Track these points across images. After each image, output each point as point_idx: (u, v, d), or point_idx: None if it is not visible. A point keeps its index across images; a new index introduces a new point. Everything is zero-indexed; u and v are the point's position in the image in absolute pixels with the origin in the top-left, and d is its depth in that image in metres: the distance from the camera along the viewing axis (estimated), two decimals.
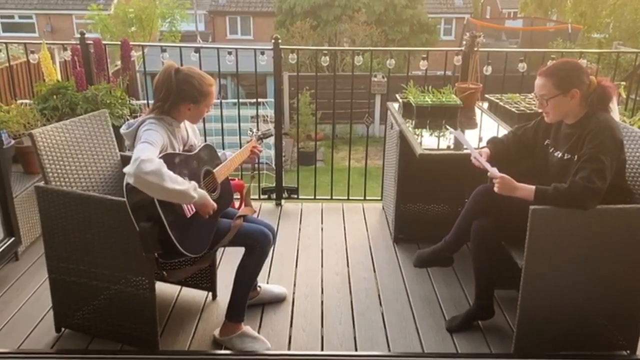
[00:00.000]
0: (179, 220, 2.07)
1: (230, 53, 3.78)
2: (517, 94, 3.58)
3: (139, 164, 1.90)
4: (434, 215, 3.42)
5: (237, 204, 3.49)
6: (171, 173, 1.97)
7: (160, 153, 2.07)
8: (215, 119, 4.12)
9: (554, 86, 2.20)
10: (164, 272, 2.19)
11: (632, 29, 14.77)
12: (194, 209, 2.12)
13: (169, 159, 2.07)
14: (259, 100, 4.64)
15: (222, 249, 2.66)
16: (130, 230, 2.06)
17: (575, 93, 2.18)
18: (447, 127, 2.52)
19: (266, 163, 5.23)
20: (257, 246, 2.34)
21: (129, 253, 2.17)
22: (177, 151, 2.24)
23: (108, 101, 3.49)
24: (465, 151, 2.65)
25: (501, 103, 3.40)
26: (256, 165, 4.19)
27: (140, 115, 2.29)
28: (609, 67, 6.45)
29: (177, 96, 2.19)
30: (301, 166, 4.67)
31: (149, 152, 1.98)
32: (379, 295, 2.83)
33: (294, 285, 2.91)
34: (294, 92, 11.25)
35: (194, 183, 2.05)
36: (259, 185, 4.16)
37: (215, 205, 2.13)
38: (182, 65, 3.45)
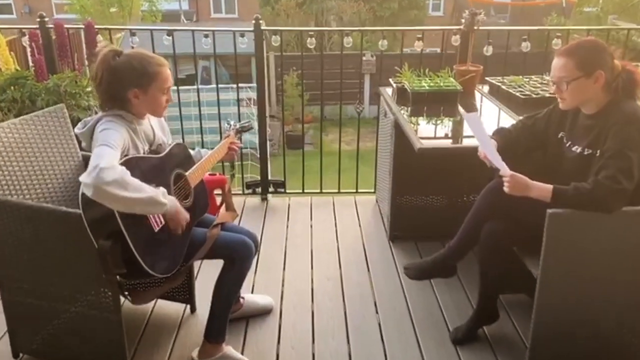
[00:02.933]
0: (144, 235, 1.78)
1: (206, 36, 3.45)
2: (520, 76, 3.29)
3: (99, 173, 1.61)
4: (433, 209, 3.16)
5: (218, 200, 3.21)
6: (137, 181, 1.68)
7: (121, 156, 1.78)
8: (195, 104, 3.80)
9: (575, 67, 1.92)
10: (129, 296, 1.91)
11: (625, 2, 14.49)
12: (163, 221, 1.84)
13: (132, 164, 1.77)
14: (241, 85, 4.32)
15: None
16: (89, 245, 1.76)
17: (600, 75, 1.90)
18: (462, 109, 2.24)
19: (250, 149, 4.93)
20: (237, 258, 2.06)
21: (89, 272, 1.88)
22: (142, 153, 1.94)
23: (73, 91, 3.15)
24: (470, 142, 2.37)
25: (503, 87, 3.12)
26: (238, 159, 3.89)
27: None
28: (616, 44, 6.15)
29: (117, 84, 1.87)
30: (290, 150, 4.37)
31: (108, 157, 1.69)
32: (375, 303, 2.58)
33: (282, 293, 2.65)
34: (280, 73, 10.87)
35: (162, 189, 1.77)
36: (242, 179, 3.86)
37: (187, 216, 1.86)
38: (153, 50, 3.14)
